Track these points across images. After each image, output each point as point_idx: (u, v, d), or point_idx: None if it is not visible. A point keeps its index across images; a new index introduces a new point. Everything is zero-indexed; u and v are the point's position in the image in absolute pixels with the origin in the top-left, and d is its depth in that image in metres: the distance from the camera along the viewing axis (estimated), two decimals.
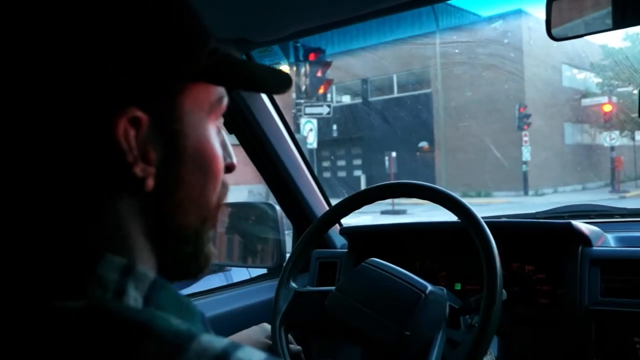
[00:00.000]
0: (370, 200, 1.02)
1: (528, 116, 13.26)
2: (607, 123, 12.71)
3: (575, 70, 15.51)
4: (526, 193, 13.54)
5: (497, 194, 13.39)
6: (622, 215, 1.37)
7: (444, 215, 1.01)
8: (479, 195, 13.36)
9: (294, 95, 9.01)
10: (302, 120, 9.44)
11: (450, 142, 14.96)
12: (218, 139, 0.44)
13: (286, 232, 1.42)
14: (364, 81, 16.08)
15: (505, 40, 12.88)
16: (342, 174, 16.28)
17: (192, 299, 1.29)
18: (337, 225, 1.36)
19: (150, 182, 0.38)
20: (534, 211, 1.46)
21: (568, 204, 1.46)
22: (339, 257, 1.36)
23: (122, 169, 0.36)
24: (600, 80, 14.75)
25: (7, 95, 0.35)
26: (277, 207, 1.41)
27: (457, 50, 12.61)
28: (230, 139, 0.52)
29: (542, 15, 0.89)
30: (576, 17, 0.90)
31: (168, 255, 0.41)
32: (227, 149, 0.46)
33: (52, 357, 0.31)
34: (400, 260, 1.01)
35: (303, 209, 1.45)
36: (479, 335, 0.78)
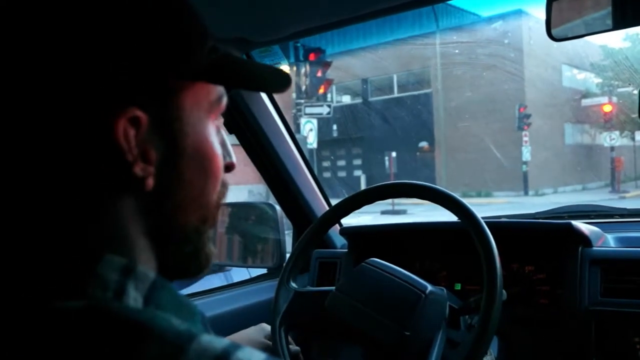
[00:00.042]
0: (370, 200, 1.02)
1: (528, 116, 13.26)
2: (607, 123, 12.70)
3: (575, 71, 15.52)
4: (526, 193, 13.54)
5: (497, 194, 13.39)
6: (622, 216, 1.37)
7: (444, 215, 1.01)
8: (479, 195, 13.36)
9: (294, 95, 9.01)
10: (302, 120, 9.43)
11: (450, 142, 14.96)
12: (217, 138, 0.44)
13: (286, 232, 1.42)
14: (364, 81, 16.08)
15: (506, 41, 12.89)
16: (342, 174, 16.28)
17: (192, 299, 1.29)
18: (337, 225, 1.36)
19: (150, 182, 0.38)
20: (534, 211, 1.46)
21: (568, 204, 1.47)
22: (339, 257, 1.36)
23: (122, 169, 0.36)
24: (600, 80, 14.76)
25: (7, 95, 0.35)
26: (277, 207, 1.41)
27: (457, 51, 12.61)
28: (231, 139, 0.52)
29: (542, 15, 0.89)
30: (576, 17, 0.90)
31: (168, 255, 0.41)
32: (226, 148, 0.46)
33: (52, 357, 0.31)
34: (400, 260, 1.01)
35: (303, 209, 1.45)
36: (479, 336, 0.78)
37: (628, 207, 1.39)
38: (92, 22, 0.35)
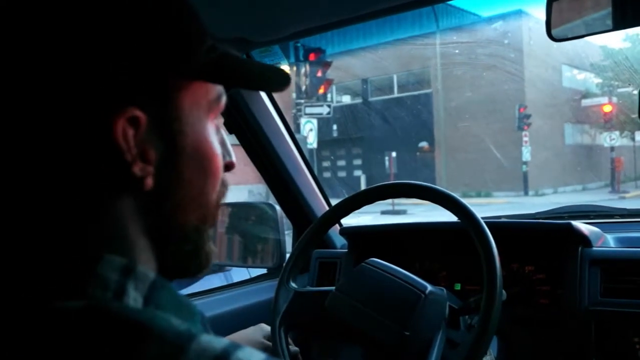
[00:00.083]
0: (370, 201, 1.02)
1: (528, 116, 13.26)
2: (607, 123, 12.70)
3: (575, 71, 15.52)
4: (526, 193, 13.54)
5: (497, 194, 13.39)
6: (622, 216, 1.37)
7: (444, 215, 1.01)
8: (479, 195, 13.36)
9: (294, 95, 9.01)
10: (302, 120, 9.43)
11: (450, 142, 14.96)
12: (217, 137, 0.44)
13: (286, 232, 1.42)
14: (364, 81, 16.08)
15: (506, 41, 12.89)
16: (342, 174, 16.27)
17: (192, 299, 1.29)
18: (337, 225, 1.36)
19: (150, 182, 0.38)
20: (533, 211, 1.46)
21: (568, 205, 1.47)
22: (339, 257, 1.36)
23: (121, 169, 0.36)
24: (600, 80, 14.75)
25: (6, 95, 0.35)
26: (277, 207, 1.41)
27: (457, 51, 12.61)
28: (230, 139, 0.52)
29: (542, 15, 0.89)
30: (576, 17, 0.90)
31: (168, 255, 0.41)
32: (226, 147, 0.46)
33: (52, 357, 0.31)
34: (400, 260, 1.01)
35: (303, 209, 1.45)
36: (479, 336, 0.78)
37: (628, 207, 1.39)
38: (92, 22, 0.35)
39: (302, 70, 7.89)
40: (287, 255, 1.13)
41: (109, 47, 0.36)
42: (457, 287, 1.19)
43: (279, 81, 0.43)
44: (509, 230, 1.19)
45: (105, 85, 0.35)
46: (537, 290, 1.09)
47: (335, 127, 15.29)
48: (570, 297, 1.03)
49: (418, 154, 15.63)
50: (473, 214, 0.87)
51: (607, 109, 12.77)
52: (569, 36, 0.91)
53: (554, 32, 0.89)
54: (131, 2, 0.37)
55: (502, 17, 11.33)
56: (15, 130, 0.35)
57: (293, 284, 1.03)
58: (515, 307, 1.06)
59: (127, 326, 0.32)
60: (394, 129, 15.15)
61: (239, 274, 2.02)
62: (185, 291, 1.58)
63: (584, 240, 1.07)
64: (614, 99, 12.49)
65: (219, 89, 0.43)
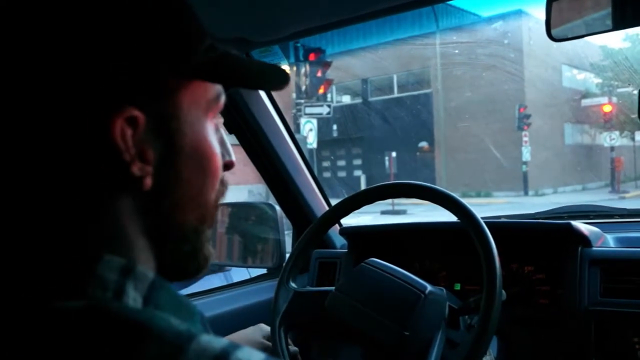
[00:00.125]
0: (370, 201, 1.02)
1: (528, 116, 13.26)
2: (607, 123, 12.71)
3: (575, 71, 15.52)
4: (526, 193, 13.54)
5: (497, 194, 13.39)
6: (622, 216, 1.37)
7: (444, 215, 1.01)
8: (478, 195, 13.36)
9: (294, 95, 9.01)
10: (302, 120, 9.43)
11: (450, 142, 14.96)
12: (216, 136, 0.43)
13: (286, 232, 1.42)
14: (364, 81, 16.08)
15: (505, 41, 12.88)
16: (342, 174, 16.28)
17: (192, 299, 1.29)
18: (336, 225, 1.36)
19: (148, 181, 0.38)
20: (533, 211, 1.46)
21: (568, 205, 1.47)
22: (338, 257, 1.36)
23: (120, 169, 0.36)
24: (600, 80, 14.75)
25: (6, 95, 0.35)
26: (277, 207, 1.41)
27: (457, 51, 12.61)
28: (230, 139, 0.52)
29: (542, 15, 0.89)
30: (576, 17, 0.90)
31: (167, 255, 0.41)
32: (225, 146, 0.46)
33: (52, 357, 0.31)
34: (400, 260, 1.01)
35: (303, 209, 1.45)
36: (478, 336, 0.78)
37: (628, 207, 1.39)
38: (93, 22, 0.35)
39: (302, 70, 7.89)
40: (287, 255, 1.13)
41: (109, 47, 0.36)
42: (457, 287, 1.19)
43: (278, 80, 0.43)
44: (509, 230, 1.19)
45: (105, 85, 0.35)
46: (537, 290, 1.09)
47: (335, 127, 15.29)
48: (570, 297, 1.03)
49: (418, 154, 15.63)
50: (473, 214, 0.87)
51: (607, 109, 12.77)
52: (569, 36, 0.91)
53: (553, 32, 0.89)
54: (131, 2, 0.37)
55: (502, 17, 11.33)
56: (14, 130, 0.35)
57: (293, 284, 1.03)
58: (515, 307, 1.06)
59: (127, 326, 0.32)
60: (393, 129, 15.16)
61: (239, 274, 2.02)
62: (185, 291, 1.58)
63: (583, 240, 1.08)
64: (614, 99, 12.49)
65: (218, 88, 0.43)
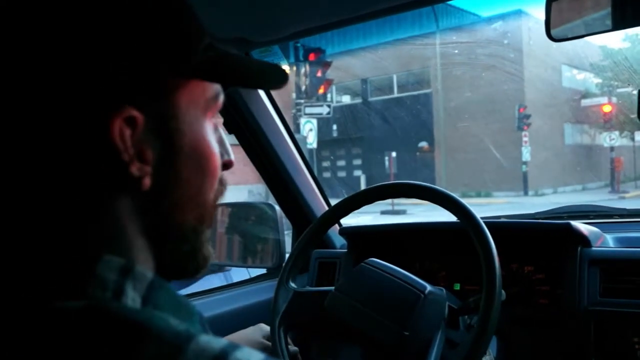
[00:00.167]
0: (370, 201, 1.02)
1: (528, 116, 13.26)
2: (607, 123, 12.71)
3: (575, 71, 15.52)
4: (526, 193, 13.54)
5: (497, 194, 13.40)
6: (621, 216, 1.37)
7: (444, 215, 1.01)
8: (478, 195, 13.37)
9: (294, 95, 9.00)
10: (302, 120, 9.42)
11: (450, 142, 14.96)
12: (215, 136, 0.43)
13: (286, 232, 1.42)
14: (364, 81, 16.08)
15: (505, 41, 12.89)
16: (342, 174, 16.28)
17: (192, 299, 1.29)
18: (336, 225, 1.36)
19: (147, 181, 0.38)
20: (533, 211, 1.46)
21: (568, 205, 1.47)
22: (338, 257, 1.36)
23: (118, 169, 0.36)
24: (599, 80, 14.75)
25: (6, 95, 0.35)
26: (277, 207, 1.41)
27: (456, 51, 12.61)
28: (230, 139, 0.52)
29: (541, 15, 0.89)
30: (576, 17, 0.90)
31: (166, 255, 0.41)
32: (224, 146, 0.45)
33: (52, 357, 0.31)
34: (399, 260, 1.01)
35: (302, 209, 1.45)
36: (478, 336, 0.78)
37: (627, 207, 1.39)
38: (93, 22, 0.35)
39: (302, 70, 7.89)
40: (287, 255, 1.13)
41: (109, 47, 0.36)
42: (457, 287, 1.19)
43: (277, 79, 0.43)
44: (509, 231, 1.19)
45: (105, 85, 0.35)
46: (537, 290, 1.09)
47: (335, 127, 15.29)
48: (570, 297, 1.03)
49: (418, 154, 15.63)
50: (472, 214, 0.87)
51: (607, 109, 12.77)
52: (569, 36, 0.91)
53: (553, 32, 0.89)
54: (131, 2, 0.37)
55: (502, 17, 11.34)
56: (14, 130, 0.35)
57: (292, 284, 1.03)
58: (515, 307, 1.07)
59: (126, 326, 0.32)
60: (393, 129, 15.16)
61: (239, 274, 2.03)
62: (185, 291, 1.58)
63: (583, 240, 1.08)
64: (614, 99, 12.49)
65: (216, 87, 0.43)
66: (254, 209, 1.53)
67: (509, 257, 1.11)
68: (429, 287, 0.85)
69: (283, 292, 1.02)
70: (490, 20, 11.08)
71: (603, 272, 1.03)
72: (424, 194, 0.94)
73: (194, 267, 0.43)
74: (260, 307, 1.34)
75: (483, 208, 7.74)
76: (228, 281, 2.13)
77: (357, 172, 15.82)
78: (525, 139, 13.47)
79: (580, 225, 1.09)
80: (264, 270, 1.54)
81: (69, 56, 0.35)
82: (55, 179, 0.36)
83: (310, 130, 9.64)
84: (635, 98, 0.90)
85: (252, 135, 1.36)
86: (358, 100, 16.77)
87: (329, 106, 10.13)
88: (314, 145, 9.83)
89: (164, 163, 0.39)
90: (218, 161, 0.43)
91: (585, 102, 14.46)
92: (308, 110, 9.50)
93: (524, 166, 13.65)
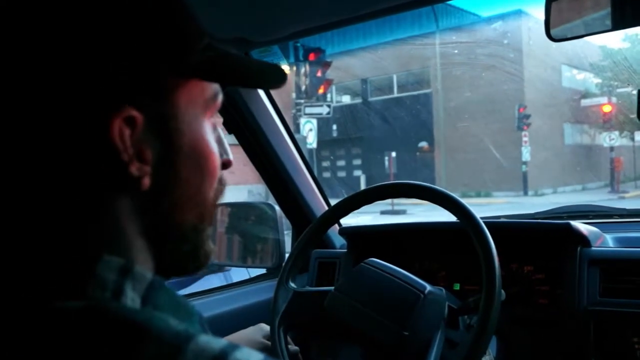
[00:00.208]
0: (369, 201, 1.02)
1: (528, 116, 13.26)
2: (607, 123, 12.71)
3: (574, 71, 15.52)
4: (526, 193, 13.55)
5: (496, 194, 13.40)
6: (621, 216, 1.37)
7: (444, 215, 1.01)
8: (478, 195, 13.37)
9: (293, 95, 9.00)
10: (302, 120, 9.42)
11: (449, 142, 14.96)
12: (214, 135, 0.43)
13: (285, 232, 1.42)
14: (364, 81, 16.08)
15: (505, 41, 12.89)
16: (341, 174, 16.28)
17: (192, 299, 1.29)
18: (336, 225, 1.36)
19: (147, 181, 0.38)
20: (533, 211, 1.46)
21: (567, 205, 1.47)
22: (338, 257, 1.36)
23: (118, 169, 0.36)
24: (599, 80, 14.76)
25: (6, 95, 0.35)
26: (277, 207, 1.41)
27: (456, 51, 12.61)
28: (230, 139, 0.52)
29: (541, 15, 0.89)
30: (575, 17, 0.90)
31: (166, 254, 0.41)
32: (223, 145, 0.46)
33: (52, 357, 0.31)
34: (399, 260, 1.01)
35: (302, 209, 1.45)
36: (478, 336, 0.78)
37: (627, 207, 1.39)
38: (93, 22, 0.35)
39: (302, 70, 7.89)
40: (287, 255, 1.13)
41: (109, 47, 0.36)
42: (456, 287, 1.19)
43: (276, 78, 0.43)
44: (508, 231, 1.19)
45: (104, 85, 0.35)
46: (536, 290, 1.09)
47: (335, 127, 15.29)
48: (569, 297, 1.03)
49: (418, 154, 15.64)
50: (472, 214, 0.87)
51: (607, 109, 12.77)
52: (568, 36, 0.91)
53: (553, 32, 0.89)
54: (130, 2, 0.37)
55: (502, 17, 11.33)
56: (14, 130, 0.35)
57: (292, 284, 1.03)
58: (514, 307, 1.07)
59: (126, 326, 0.32)
60: (393, 129, 15.16)
61: (239, 274, 2.02)
62: (185, 291, 1.58)
63: (583, 240, 1.08)
64: (613, 99, 12.50)
65: (215, 87, 0.43)
66: (254, 209, 1.53)
67: (509, 257, 1.11)
68: (428, 287, 0.85)
69: (283, 292, 1.02)
70: (490, 20, 11.09)
71: (603, 272, 1.03)
72: (424, 194, 0.94)
73: (195, 266, 0.44)
74: (260, 307, 1.34)
75: (483, 208, 7.74)
76: (228, 281, 2.13)
77: (357, 172, 15.82)
78: (525, 139, 13.47)
79: (580, 225, 1.09)
80: (263, 270, 1.54)
81: (69, 56, 0.35)
82: (55, 179, 0.36)
83: (310, 130, 9.64)
84: (635, 98, 0.90)
85: (252, 135, 1.36)
86: (358, 100, 16.77)
87: (328, 106, 10.13)
88: (314, 145, 9.83)
89: (164, 163, 0.39)
90: (217, 160, 0.43)
91: (585, 102, 14.46)
92: (308, 110, 9.49)
93: (523, 166, 13.65)
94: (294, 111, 9.31)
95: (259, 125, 1.35)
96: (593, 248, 1.08)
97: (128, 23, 0.36)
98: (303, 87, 8.25)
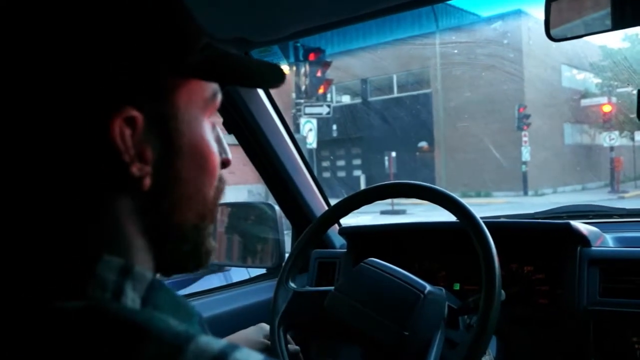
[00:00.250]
0: (369, 201, 1.02)
1: (527, 116, 13.26)
2: (607, 123, 12.71)
3: (574, 71, 15.52)
4: (526, 193, 13.55)
5: (496, 194, 13.40)
6: (621, 216, 1.37)
7: (444, 215, 1.01)
8: (478, 195, 13.37)
9: (293, 95, 9.00)
10: (302, 120, 9.42)
11: (449, 142, 14.96)
12: (213, 134, 0.44)
13: (285, 232, 1.42)
14: (364, 81, 16.08)
15: (505, 41, 12.89)
16: (341, 174, 16.28)
17: (191, 299, 1.29)
18: (336, 225, 1.36)
19: (147, 182, 0.38)
20: (533, 211, 1.46)
21: (567, 204, 1.47)
22: (338, 257, 1.36)
23: (119, 169, 0.36)
24: (599, 80, 14.76)
25: (6, 95, 0.35)
26: (277, 207, 1.41)
27: (456, 51, 12.61)
28: (229, 139, 0.52)
29: (541, 15, 0.89)
30: (575, 17, 0.90)
31: (166, 254, 0.41)
32: (222, 144, 0.46)
33: (52, 357, 0.31)
34: (399, 260, 1.01)
35: (302, 209, 1.45)
36: (478, 336, 0.78)
37: (627, 207, 1.39)
38: (93, 22, 0.35)
39: (302, 70, 7.89)
40: (286, 255, 1.13)
41: (109, 47, 0.36)
42: (456, 287, 1.19)
43: (275, 78, 0.43)
44: (508, 230, 1.19)
45: (105, 85, 0.35)
46: (536, 290, 1.09)
47: (334, 127, 15.29)
48: (569, 297, 1.03)
49: (417, 154, 15.64)
50: (472, 214, 0.87)
51: (607, 109, 12.77)
52: (568, 36, 0.91)
53: (552, 32, 0.89)
54: (130, 2, 0.37)
55: (502, 17, 11.33)
56: (14, 130, 0.35)
57: (292, 284, 1.03)
58: (514, 307, 1.07)
59: (126, 327, 0.32)
60: (393, 129, 15.16)
61: (239, 274, 2.03)
62: (185, 291, 1.58)
63: (582, 240, 1.08)
64: (613, 99, 12.50)
65: (214, 86, 0.43)
66: (254, 209, 1.53)
67: (509, 257, 1.11)
68: (428, 287, 0.85)
69: (283, 292, 1.02)
70: (490, 20, 11.09)
71: (602, 272, 1.03)
72: (424, 194, 0.94)
73: (196, 264, 0.44)
74: (260, 307, 1.34)
75: (483, 208, 7.74)
76: (228, 281, 2.13)
77: (357, 172, 15.82)
78: (525, 139, 13.47)
79: (579, 225, 1.09)
80: (263, 270, 1.54)
81: (69, 56, 0.35)
82: (55, 179, 0.36)
83: (310, 130, 9.64)
84: (635, 98, 0.90)
85: (252, 135, 1.36)
86: (358, 100, 16.77)
87: (328, 106, 10.13)
88: (314, 145, 9.82)
89: (164, 163, 0.39)
90: (217, 160, 0.43)
91: (584, 102, 14.46)
92: (308, 110, 9.49)
93: (523, 166, 13.66)
94: (294, 111, 9.31)
95: (258, 125, 1.35)
96: (593, 248, 1.08)
97: (128, 23, 0.36)
98: (303, 87, 8.25)
